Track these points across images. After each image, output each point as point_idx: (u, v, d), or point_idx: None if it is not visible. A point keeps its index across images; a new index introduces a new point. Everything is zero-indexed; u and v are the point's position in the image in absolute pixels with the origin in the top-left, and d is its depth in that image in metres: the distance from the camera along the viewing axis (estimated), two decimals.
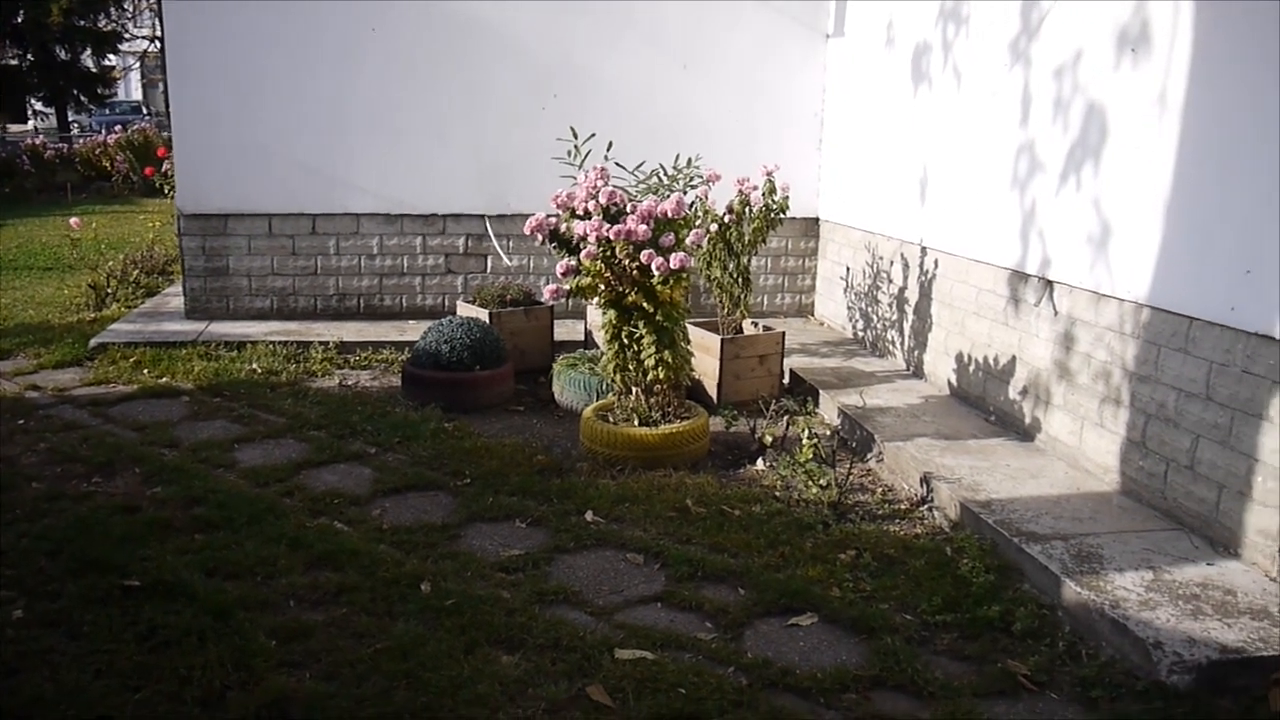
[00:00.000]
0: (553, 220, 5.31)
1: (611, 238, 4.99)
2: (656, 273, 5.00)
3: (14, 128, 30.59)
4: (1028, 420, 5.61)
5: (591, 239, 5.03)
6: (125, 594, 3.91)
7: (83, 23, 27.72)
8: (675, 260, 4.99)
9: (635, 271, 5.07)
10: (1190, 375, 4.45)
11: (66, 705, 3.24)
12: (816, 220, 8.69)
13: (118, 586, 3.94)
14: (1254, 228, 4.09)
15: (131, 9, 30.68)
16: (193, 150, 7.89)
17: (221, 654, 3.49)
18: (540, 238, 5.24)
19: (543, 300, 6.96)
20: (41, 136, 23.97)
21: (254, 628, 3.70)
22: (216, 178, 7.93)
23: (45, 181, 19.95)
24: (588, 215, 5.17)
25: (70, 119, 30.61)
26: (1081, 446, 5.17)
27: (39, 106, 31.45)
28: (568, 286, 5.21)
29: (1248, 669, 3.49)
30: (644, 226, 4.99)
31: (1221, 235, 4.27)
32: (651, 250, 4.99)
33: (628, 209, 5.17)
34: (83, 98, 29.90)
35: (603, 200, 5.10)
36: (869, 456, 5.64)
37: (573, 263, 5.14)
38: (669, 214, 5.09)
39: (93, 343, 7.46)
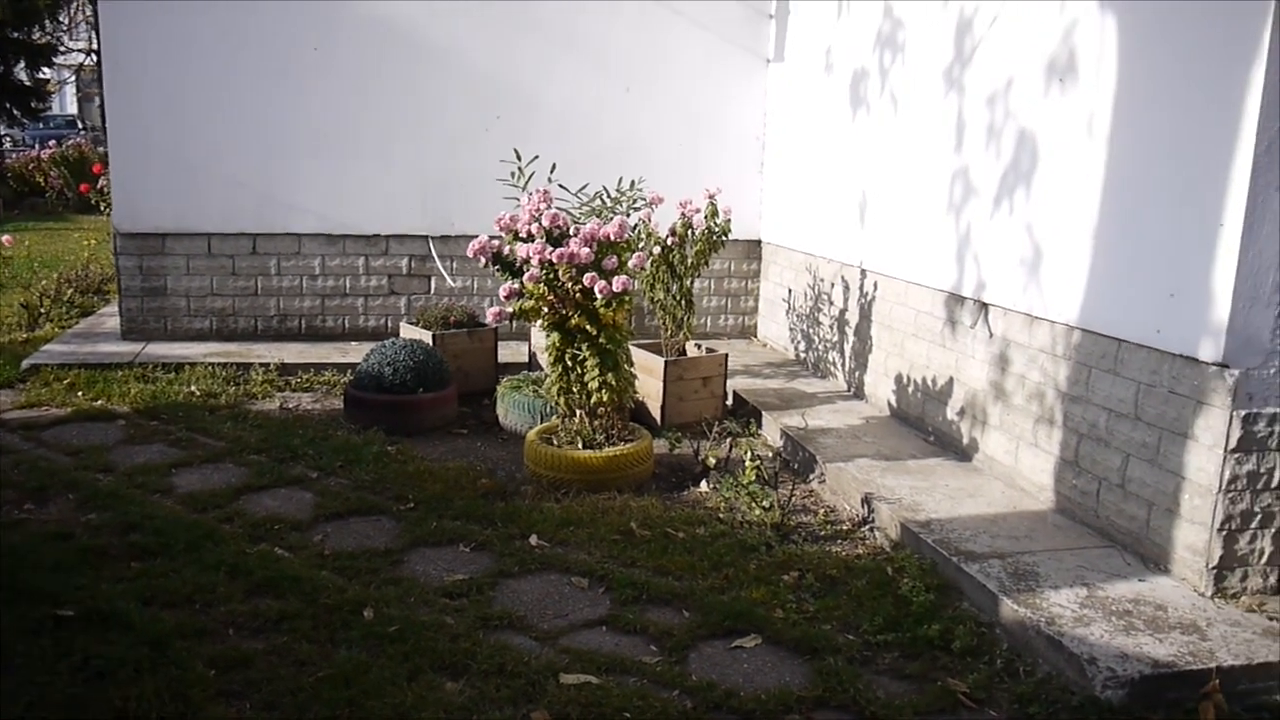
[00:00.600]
0: (496, 243, 5.31)
1: (555, 260, 5.01)
2: (599, 296, 5.03)
3: None
4: (965, 440, 5.72)
5: (535, 262, 5.05)
6: (59, 624, 3.82)
7: (16, 35, 27.06)
8: (618, 283, 5.02)
9: (578, 294, 5.10)
10: (1120, 395, 4.57)
11: None
12: (759, 242, 8.78)
13: (51, 616, 3.86)
14: (1176, 252, 4.23)
15: (68, 22, 30.10)
16: (129, 167, 7.78)
17: (158, 685, 3.43)
18: (484, 260, 5.24)
19: (486, 323, 6.95)
20: None
21: (192, 657, 3.64)
22: (154, 196, 7.82)
23: None
24: (531, 238, 5.19)
25: (2, 133, 29.90)
26: (1017, 466, 5.28)
27: None
28: (511, 309, 5.21)
29: (1179, 683, 3.59)
30: (587, 249, 5.02)
31: (1146, 259, 4.41)
32: (594, 273, 5.02)
33: (571, 231, 5.19)
34: (16, 111, 29.19)
35: (546, 223, 5.12)
36: (811, 477, 5.71)
37: (516, 285, 5.15)
38: (612, 237, 5.12)
39: (25, 364, 7.29)
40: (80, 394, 6.76)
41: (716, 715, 3.47)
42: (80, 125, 36.42)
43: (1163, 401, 4.32)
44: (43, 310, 9.11)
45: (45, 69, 30.09)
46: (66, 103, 45.61)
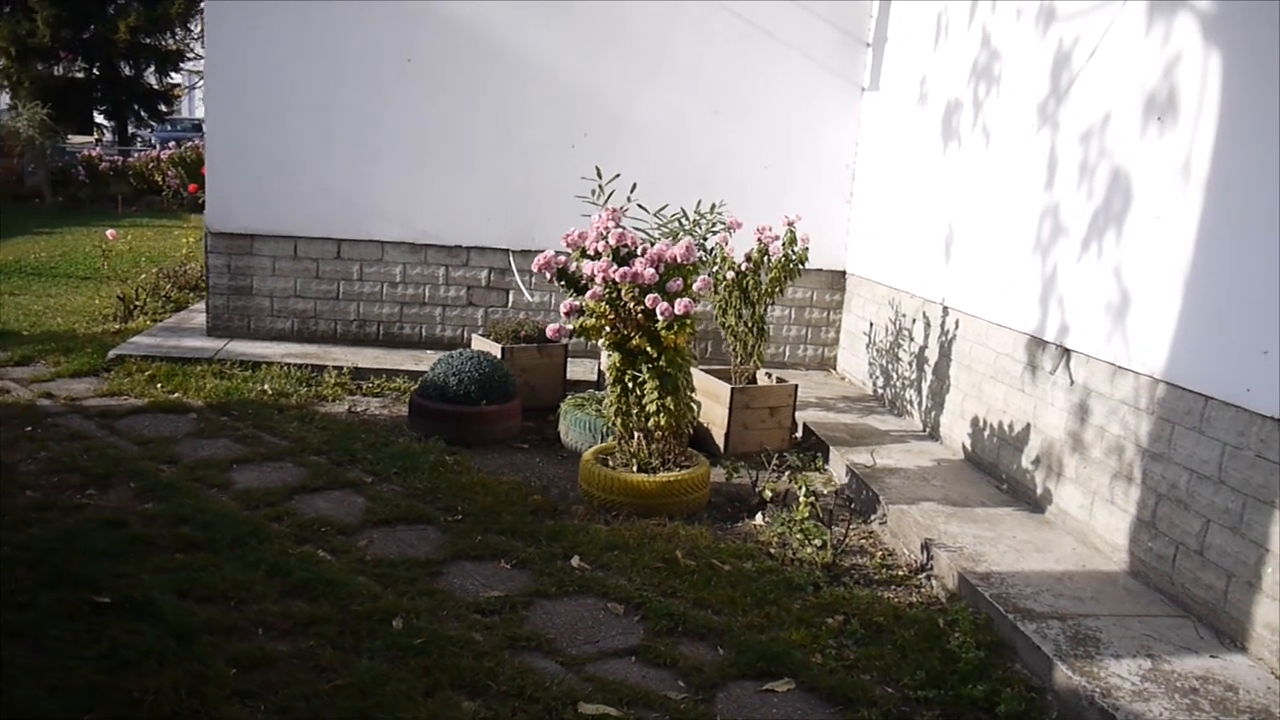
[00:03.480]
0: (562, 259, 5.26)
1: (618, 279, 4.93)
2: (661, 317, 4.93)
3: (76, 139, 31.31)
4: (1039, 491, 5.45)
5: (598, 279, 4.98)
6: (94, 610, 3.86)
7: (148, 41, 28.39)
8: (680, 306, 4.91)
9: (640, 315, 5.00)
10: (1203, 456, 4.28)
11: None
12: (843, 273, 8.58)
13: (87, 602, 3.90)
14: (1272, 307, 3.94)
15: (197, 29, 31.42)
16: (224, 169, 7.99)
17: (177, 679, 3.43)
18: (549, 275, 5.19)
19: (544, 337, 6.91)
20: (99, 148, 24.48)
21: (216, 654, 3.64)
22: (245, 197, 8.00)
23: (98, 192, 20.36)
24: (597, 255, 5.12)
25: (132, 133, 31.26)
26: (1091, 522, 5.00)
27: (101, 120, 32.16)
28: (571, 326, 5.15)
29: None
30: (651, 270, 4.93)
31: (1239, 313, 4.13)
32: (656, 295, 4.92)
33: (638, 251, 5.11)
34: (143, 113, 30.57)
35: (612, 241, 5.05)
36: (873, 518, 5.50)
37: (577, 303, 5.08)
38: (678, 259, 5.02)
39: (111, 354, 7.51)
40: (159, 386, 6.92)
41: None
42: (204, 129, 37.90)
43: (1249, 466, 4.03)
44: (138, 303, 9.39)
45: (173, 74, 31.49)
46: (194, 107, 47.54)
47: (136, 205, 19.87)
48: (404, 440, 6.18)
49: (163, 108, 31.15)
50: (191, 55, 30.20)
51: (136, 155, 22.57)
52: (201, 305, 9.34)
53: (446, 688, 3.55)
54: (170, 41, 29.24)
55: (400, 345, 8.29)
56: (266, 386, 7.03)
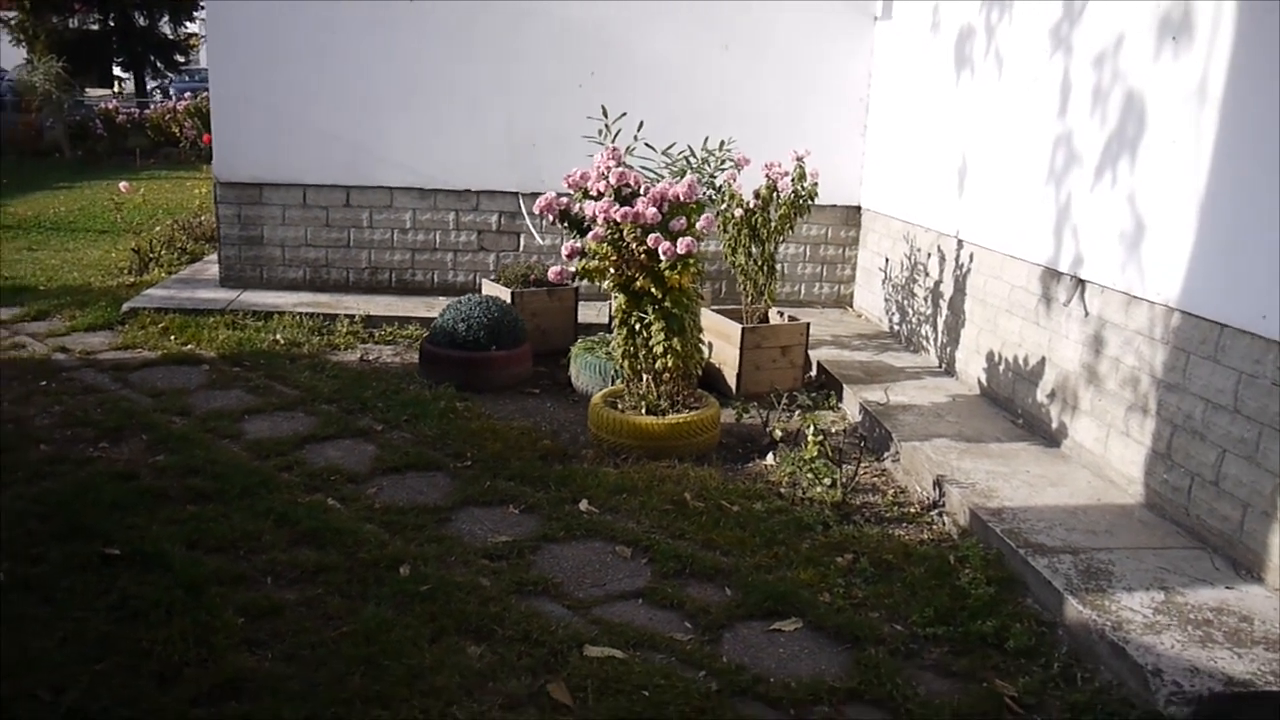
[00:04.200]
0: (564, 200, 5.19)
1: (619, 219, 4.86)
2: (664, 257, 4.86)
3: (94, 92, 31.26)
4: (1054, 425, 5.37)
5: (600, 220, 4.91)
6: (104, 562, 3.90)
7: None
8: (683, 245, 4.84)
9: (643, 255, 4.94)
10: (1219, 385, 4.19)
11: (25, 672, 3.22)
12: (858, 209, 8.44)
13: (98, 554, 3.93)
14: None
15: None
16: (229, 118, 7.93)
17: (185, 629, 3.45)
18: (550, 217, 5.12)
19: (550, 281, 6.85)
20: (115, 101, 24.43)
21: (225, 604, 3.66)
22: (252, 146, 7.95)
23: (116, 146, 20.35)
24: (600, 196, 5.05)
25: (150, 85, 31.15)
26: (1106, 455, 4.93)
27: (118, 72, 32.07)
28: (573, 268, 5.09)
29: (1255, 704, 3.27)
30: (653, 209, 4.85)
31: (1256, 238, 4.00)
32: (659, 234, 4.85)
33: (641, 190, 5.03)
34: (160, 64, 30.43)
35: (614, 181, 4.97)
36: (885, 456, 5.45)
37: (578, 244, 5.02)
38: (681, 197, 4.94)
39: (125, 307, 7.54)
40: (172, 338, 6.94)
41: (740, 701, 3.31)
42: None
43: (1265, 394, 3.94)
44: (153, 256, 9.41)
45: (188, 23, 31.28)
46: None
47: (154, 158, 19.88)
48: (415, 388, 6.17)
49: (179, 58, 30.97)
50: (204, 3, 29.96)
51: (154, 107, 22.51)
52: (215, 257, 9.35)
53: (452, 633, 3.57)
54: None
55: (412, 292, 8.27)
56: (279, 336, 7.03)
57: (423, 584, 3.86)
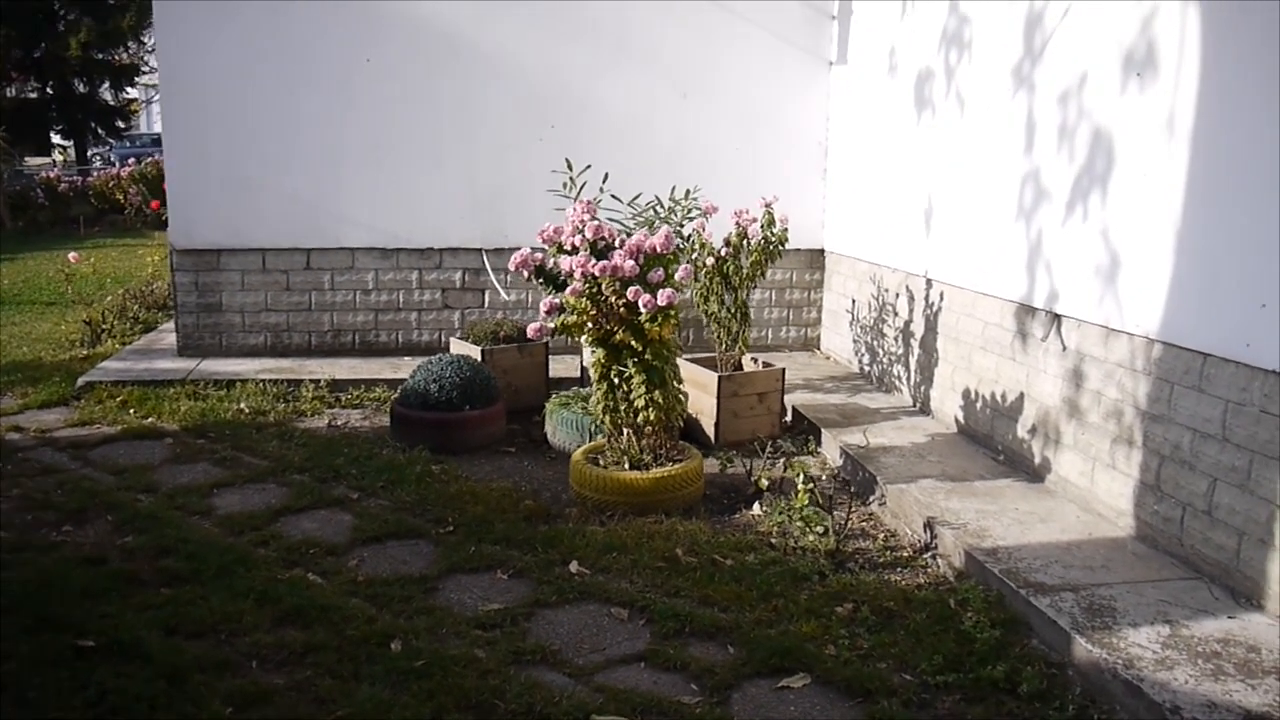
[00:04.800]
0: (539, 255, 5.12)
1: (597, 274, 4.80)
2: (644, 310, 4.80)
3: (33, 161, 30.75)
4: (1037, 460, 5.36)
5: (577, 275, 4.84)
6: (78, 655, 3.71)
7: (101, 56, 27.84)
8: (663, 297, 4.78)
9: (623, 309, 4.87)
10: (1205, 415, 4.20)
11: None
12: (822, 251, 8.48)
13: (70, 646, 3.74)
14: (1267, 259, 3.86)
15: (150, 42, 30.90)
16: (185, 183, 7.78)
17: None
18: (526, 274, 5.05)
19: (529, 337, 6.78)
20: (57, 169, 24.04)
21: (210, 692, 3.50)
22: (209, 212, 7.81)
23: (59, 214, 19.96)
24: (574, 250, 4.99)
25: (91, 152, 30.73)
26: (1093, 488, 4.92)
27: (58, 140, 31.60)
28: (552, 324, 5.01)
29: None
30: (631, 262, 4.80)
31: (1234, 267, 4.04)
32: (638, 287, 4.79)
33: (616, 243, 4.98)
34: (101, 130, 30.03)
35: (589, 235, 4.92)
36: (871, 499, 5.40)
37: (557, 300, 4.95)
38: (658, 249, 4.89)
39: (80, 381, 7.31)
40: (132, 411, 6.74)
41: None
42: None
43: (1254, 422, 3.95)
44: (105, 326, 9.17)
45: (129, 89, 30.97)
46: (153, 121, 46.88)
47: (99, 225, 19.53)
48: (388, 452, 6.03)
49: (120, 124, 30.58)
50: (146, 69, 29.66)
51: (96, 174, 22.17)
52: (171, 325, 9.13)
53: (452, 710, 3.43)
54: (124, 56, 28.72)
55: (377, 354, 8.13)
56: (243, 405, 6.85)
57: (416, 659, 3.72)
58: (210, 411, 6.72)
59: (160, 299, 10.34)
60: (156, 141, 37.58)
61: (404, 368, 7.55)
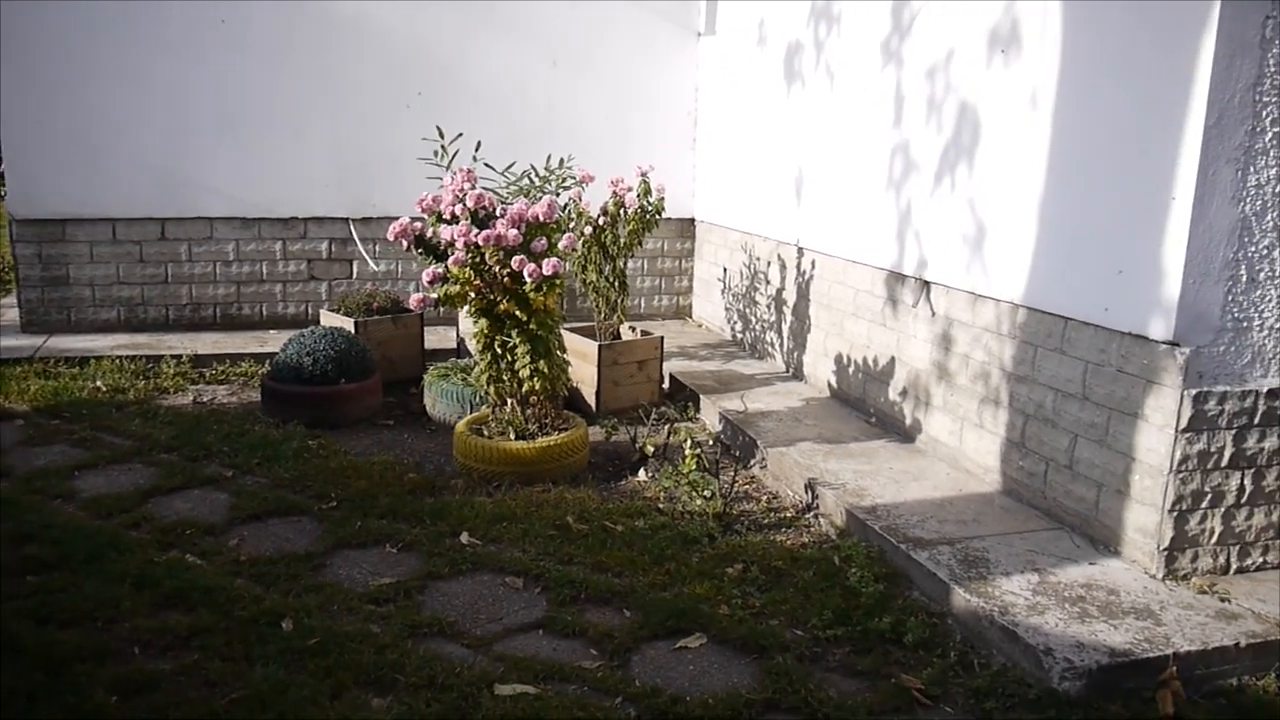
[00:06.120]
0: (418, 225, 5.03)
1: (480, 243, 4.75)
2: (529, 279, 4.78)
3: None
4: (909, 421, 5.59)
5: (460, 245, 4.78)
6: None
7: None
8: (548, 266, 4.77)
9: (507, 278, 4.84)
10: (1067, 375, 4.46)
11: None
12: (692, 221, 8.58)
13: None
14: (1124, 228, 4.11)
15: None
16: (25, 148, 7.29)
17: (53, 716, 3.13)
18: (405, 244, 4.95)
19: (410, 309, 6.66)
20: None
21: (92, 682, 3.34)
22: (53, 179, 7.35)
23: None
24: (455, 220, 4.92)
25: None
26: (962, 447, 5.16)
27: None
28: (435, 295, 4.94)
29: (1136, 671, 3.49)
30: (515, 231, 4.76)
31: (1093, 236, 4.29)
32: (523, 256, 4.77)
33: (497, 213, 4.93)
34: None
35: (470, 204, 4.85)
36: (753, 463, 5.54)
37: (440, 270, 4.88)
38: (540, 218, 4.87)
39: None
40: None
41: None
42: None
43: (1111, 381, 4.21)
44: None
45: None
46: None
47: None
48: (260, 428, 5.84)
49: None
50: None
51: None
52: (11, 300, 8.59)
53: (352, 687, 3.38)
54: None
55: (240, 327, 7.84)
56: (99, 383, 6.51)
57: (310, 637, 3.65)
58: (64, 390, 6.36)
59: None
60: None
61: (270, 341, 7.31)
